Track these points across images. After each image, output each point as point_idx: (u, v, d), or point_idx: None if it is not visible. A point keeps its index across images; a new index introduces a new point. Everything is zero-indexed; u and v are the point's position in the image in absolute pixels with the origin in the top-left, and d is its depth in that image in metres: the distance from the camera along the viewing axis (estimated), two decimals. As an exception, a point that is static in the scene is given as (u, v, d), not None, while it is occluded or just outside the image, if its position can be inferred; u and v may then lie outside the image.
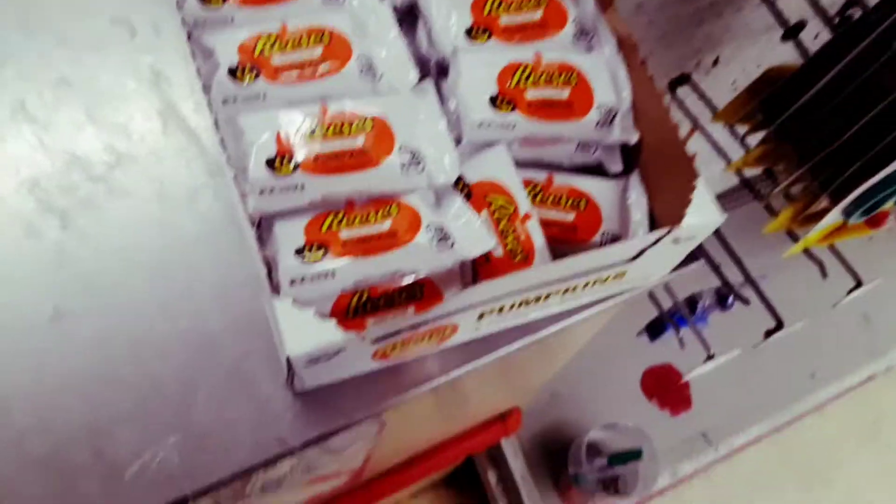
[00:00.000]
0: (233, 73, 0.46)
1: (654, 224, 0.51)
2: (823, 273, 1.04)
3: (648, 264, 0.49)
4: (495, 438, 1.03)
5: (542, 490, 1.38)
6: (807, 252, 0.99)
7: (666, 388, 1.56)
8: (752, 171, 0.98)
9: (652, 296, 1.04)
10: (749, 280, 0.95)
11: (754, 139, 0.93)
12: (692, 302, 1.25)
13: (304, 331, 0.39)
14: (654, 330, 1.36)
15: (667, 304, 1.02)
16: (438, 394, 0.61)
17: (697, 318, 1.27)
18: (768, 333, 0.93)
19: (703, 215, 0.46)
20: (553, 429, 1.38)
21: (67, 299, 0.45)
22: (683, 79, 1.02)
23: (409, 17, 0.53)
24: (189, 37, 0.46)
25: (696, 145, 0.90)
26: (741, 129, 0.95)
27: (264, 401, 0.46)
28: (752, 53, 1.18)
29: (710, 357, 0.93)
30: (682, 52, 1.04)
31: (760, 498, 1.65)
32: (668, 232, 0.45)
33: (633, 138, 0.51)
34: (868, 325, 1.74)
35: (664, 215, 0.51)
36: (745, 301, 0.95)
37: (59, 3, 0.53)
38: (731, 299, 1.11)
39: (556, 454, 1.37)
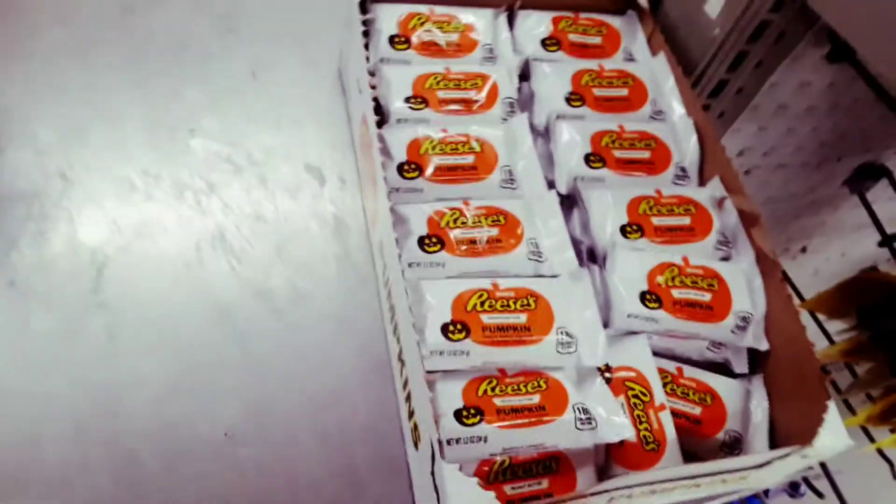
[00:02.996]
0: (420, 242, 0.52)
1: (771, 427, 0.54)
2: (894, 474, 1.03)
3: (771, 472, 0.51)
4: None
5: None
6: (879, 451, 0.99)
7: None
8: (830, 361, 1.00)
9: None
10: (826, 473, 0.94)
11: (832, 326, 0.95)
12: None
13: (466, 496, 0.42)
14: None
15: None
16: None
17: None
18: None
19: (833, 438, 0.48)
20: None
21: (238, 423, 0.50)
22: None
23: (565, 201, 0.59)
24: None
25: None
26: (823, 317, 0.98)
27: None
28: (838, 245, 1.23)
29: None
30: (775, 240, 1.09)
31: None
32: (801, 449, 0.48)
33: (764, 346, 0.55)
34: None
35: (785, 423, 0.53)
36: (820, 494, 0.95)
37: (264, 148, 0.61)
38: (803, 487, 1.10)
39: None
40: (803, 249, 1.16)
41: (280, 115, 0.63)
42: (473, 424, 0.47)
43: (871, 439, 0.92)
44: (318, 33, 0.67)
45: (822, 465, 0.95)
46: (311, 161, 0.61)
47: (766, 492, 1.28)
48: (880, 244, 0.99)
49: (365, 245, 0.59)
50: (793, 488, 1.27)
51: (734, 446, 0.53)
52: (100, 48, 0.61)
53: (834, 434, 0.49)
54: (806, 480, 0.93)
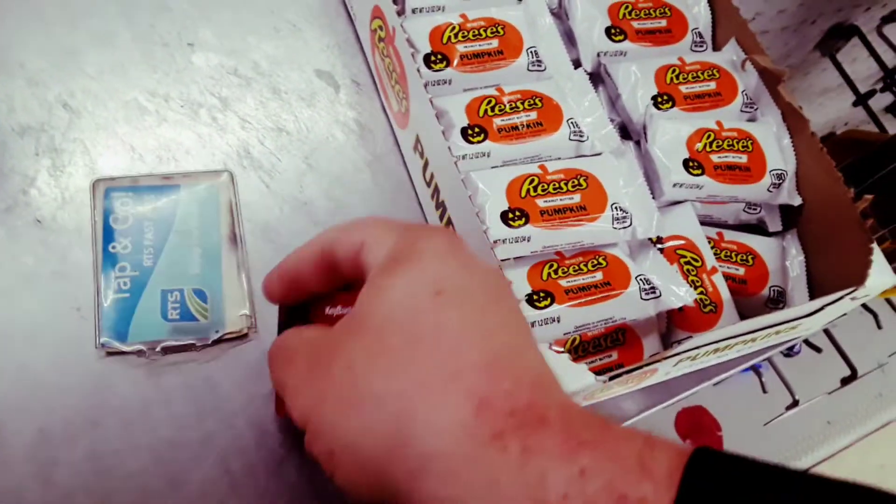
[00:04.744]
0: (464, 133, 0.50)
1: (810, 279, 0.56)
2: (878, 324, 1.10)
3: (822, 318, 0.54)
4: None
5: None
6: (864, 305, 1.05)
7: (699, 428, 1.60)
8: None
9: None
10: (826, 331, 1.00)
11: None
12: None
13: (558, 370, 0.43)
14: None
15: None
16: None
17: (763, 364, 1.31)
18: (844, 381, 0.98)
19: (881, 276, 0.51)
20: None
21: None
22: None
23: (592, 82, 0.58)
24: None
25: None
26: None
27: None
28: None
29: (794, 403, 0.97)
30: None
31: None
32: (853, 291, 0.50)
33: (797, 201, 0.56)
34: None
35: (820, 273, 0.56)
36: (818, 349, 1.01)
37: (268, 57, 0.57)
38: (798, 346, 1.16)
39: None
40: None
41: (276, 19, 0.59)
42: (545, 307, 0.47)
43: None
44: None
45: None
46: (320, 66, 0.58)
47: (768, 360, 1.35)
48: (855, 104, 1.02)
49: (393, 147, 0.57)
50: (788, 348, 1.35)
51: (778, 301, 0.55)
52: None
53: (881, 272, 0.51)
54: (806, 339, 0.98)
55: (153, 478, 0.42)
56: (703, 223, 0.56)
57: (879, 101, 1.12)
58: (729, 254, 0.56)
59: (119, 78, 0.53)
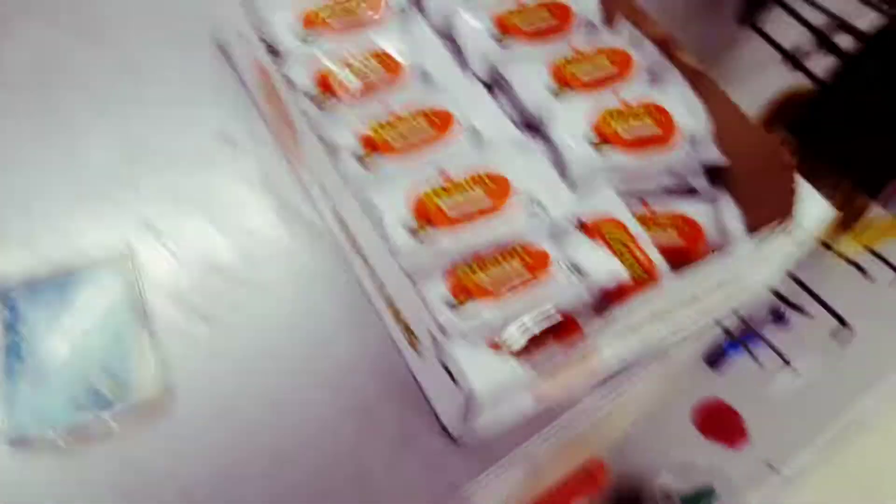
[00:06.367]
0: (357, 156, 0.49)
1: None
2: (864, 273, 1.05)
3: (764, 264, 0.51)
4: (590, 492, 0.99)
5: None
6: (846, 258, 1.01)
7: (719, 423, 1.52)
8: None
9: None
10: (807, 290, 0.95)
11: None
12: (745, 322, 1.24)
13: (482, 368, 0.40)
14: (714, 357, 1.34)
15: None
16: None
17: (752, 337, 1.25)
18: (835, 334, 0.93)
19: (813, 206, 0.48)
20: (619, 479, 1.34)
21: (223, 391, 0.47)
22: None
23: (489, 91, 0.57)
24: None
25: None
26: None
27: (428, 454, 0.47)
28: (749, 87, 1.25)
29: (786, 363, 0.92)
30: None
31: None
32: (782, 224, 0.47)
33: (720, 159, 0.54)
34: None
35: (764, 224, 0.53)
36: (805, 312, 0.96)
37: (160, 126, 0.57)
38: (787, 313, 1.10)
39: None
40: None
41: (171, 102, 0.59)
42: (464, 304, 0.45)
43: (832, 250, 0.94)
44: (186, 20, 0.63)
45: (802, 284, 0.95)
46: (214, 128, 0.58)
47: (755, 333, 1.29)
48: (791, 65, 1.00)
49: (299, 189, 0.56)
50: (777, 317, 1.28)
51: (723, 261, 0.53)
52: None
53: (812, 203, 0.48)
54: (787, 302, 0.93)
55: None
56: (629, 198, 0.55)
57: (820, 66, 1.11)
58: (662, 226, 0.54)
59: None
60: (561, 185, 0.50)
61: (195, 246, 0.52)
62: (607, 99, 0.54)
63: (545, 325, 0.46)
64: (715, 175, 0.56)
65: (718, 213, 0.55)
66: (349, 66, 0.54)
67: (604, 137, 0.52)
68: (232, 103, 0.59)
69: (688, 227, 0.54)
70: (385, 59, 0.55)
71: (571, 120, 0.53)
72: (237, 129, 0.58)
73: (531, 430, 0.49)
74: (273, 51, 0.55)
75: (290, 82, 0.52)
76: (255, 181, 0.56)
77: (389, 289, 0.47)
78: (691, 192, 0.56)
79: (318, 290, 0.52)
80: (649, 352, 0.52)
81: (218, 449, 0.44)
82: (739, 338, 1.06)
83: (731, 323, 1.03)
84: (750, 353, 1.02)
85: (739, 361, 1.15)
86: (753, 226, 0.53)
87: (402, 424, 0.47)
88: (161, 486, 0.42)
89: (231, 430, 0.45)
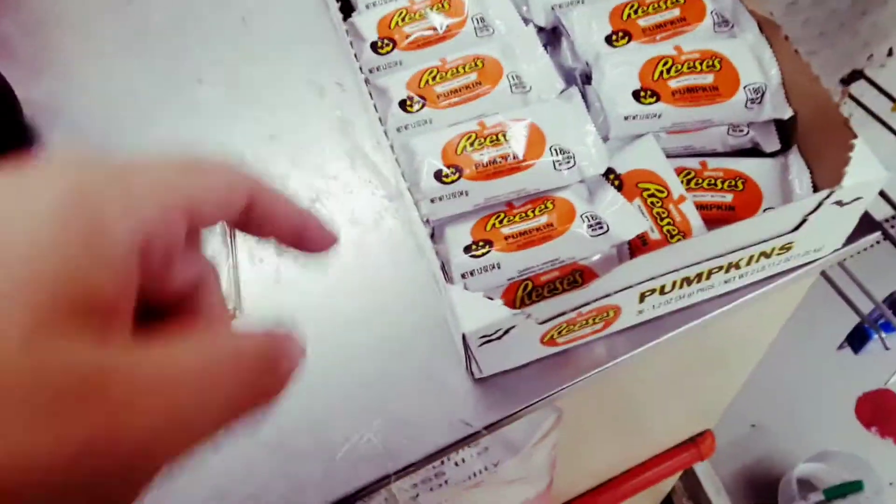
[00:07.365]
0: (402, 105, 0.53)
1: (821, 196, 0.50)
2: None
3: (815, 233, 0.48)
4: (687, 463, 0.99)
5: (749, 531, 1.28)
6: None
7: (887, 414, 1.39)
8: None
9: (849, 301, 0.96)
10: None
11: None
12: (894, 303, 1.12)
13: (477, 310, 0.43)
14: (857, 340, 1.22)
15: (866, 308, 0.94)
16: (613, 390, 0.62)
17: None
18: None
19: (864, 173, 0.44)
20: (757, 464, 1.28)
21: (285, 314, 0.54)
22: (856, 75, 0.97)
23: (553, 37, 0.58)
24: (367, 82, 0.55)
25: (880, 140, 0.83)
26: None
27: (450, 390, 0.51)
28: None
29: None
30: (849, 47, 0.98)
31: None
32: (829, 194, 0.44)
33: (787, 114, 0.51)
34: None
35: (827, 185, 0.50)
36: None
37: (262, 76, 0.64)
38: None
39: (762, 491, 1.27)
40: (889, 52, 1.03)
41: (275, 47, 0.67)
42: (483, 255, 0.48)
43: None
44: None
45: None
46: (308, 77, 0.64)
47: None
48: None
49: (376, 135, 0.61)
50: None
51: (777, 225, 0.50)
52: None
53: (866, 169, 0.45)
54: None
55: None
56: (684, 154, 0.53)
57: None
58: (713, 182, 0.52)
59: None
60: (597, 137, 0.50)
61: (275, 180, 0.59)
62: (663, 47, 0.53)
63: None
64: (780, 132, 0.53)
65: (785, 173, 0.52)
66: (413, 13, 0.57)
67: (651, 89, 0.51)
68: (327, 56, 0.65)
69: (745, 186, 0.52)
70: (447, 6, 0.57)
71: (619, 71, 0.52)
72: (327, 79, 0.64)
73: (561, 381, 0.51)
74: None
75: (356, 29, 0.57)
76: (336, 126, 0.62)
77: (420, 235, 0.51)
78: (755, 149, 0.54)
79: (371, 227, 0.57)
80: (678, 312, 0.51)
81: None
82: (874, 322, 0.96)
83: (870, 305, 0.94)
84: (882, 339, 0.93)
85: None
86: (820, 185, 0.50)
87: (430, 360, 0.52)
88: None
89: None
